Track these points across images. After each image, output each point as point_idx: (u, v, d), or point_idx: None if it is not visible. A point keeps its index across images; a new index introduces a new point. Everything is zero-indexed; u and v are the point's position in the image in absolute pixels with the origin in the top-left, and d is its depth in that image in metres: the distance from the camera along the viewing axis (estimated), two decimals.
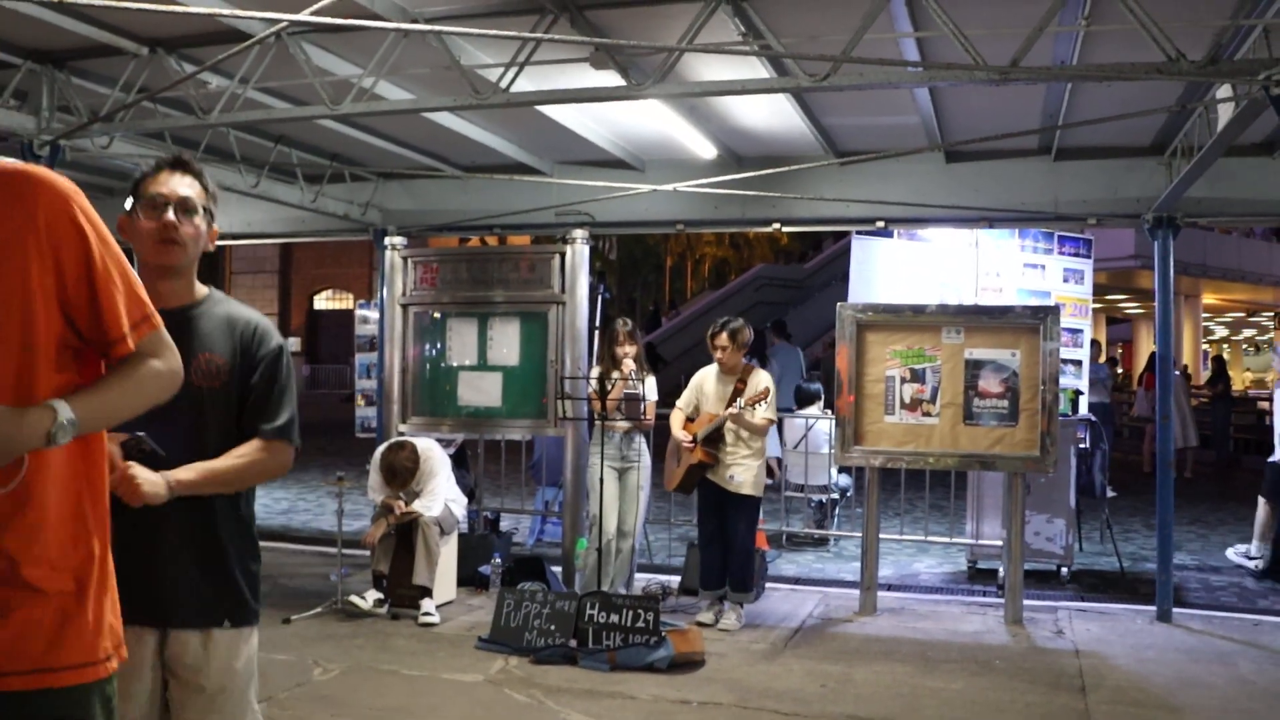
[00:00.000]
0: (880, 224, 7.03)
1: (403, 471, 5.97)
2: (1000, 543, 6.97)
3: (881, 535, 6.74)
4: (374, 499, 6.35)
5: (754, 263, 34.24)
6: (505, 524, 8.98)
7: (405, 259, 7.27)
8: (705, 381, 6.05)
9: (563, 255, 6.87)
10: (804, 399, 8.71)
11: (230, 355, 2.29)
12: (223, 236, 8.08)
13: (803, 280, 27.12)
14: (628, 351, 6.20)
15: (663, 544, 8.50)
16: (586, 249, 6.86)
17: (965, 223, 6.97)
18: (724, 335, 5.83)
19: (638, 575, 6.82)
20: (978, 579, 7.30)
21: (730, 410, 5.60)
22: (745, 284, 27.41)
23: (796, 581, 7.30)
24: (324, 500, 10.84)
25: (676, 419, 6.08)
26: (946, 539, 7.56)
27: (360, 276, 32.78)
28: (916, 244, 7.61)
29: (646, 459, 6.35)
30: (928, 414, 6.12)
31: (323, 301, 34.50)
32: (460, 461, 8.27)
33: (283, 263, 33.63)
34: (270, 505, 10.54)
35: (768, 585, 6.89)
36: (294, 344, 33.02)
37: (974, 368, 6.07)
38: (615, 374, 6.22)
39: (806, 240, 31.37)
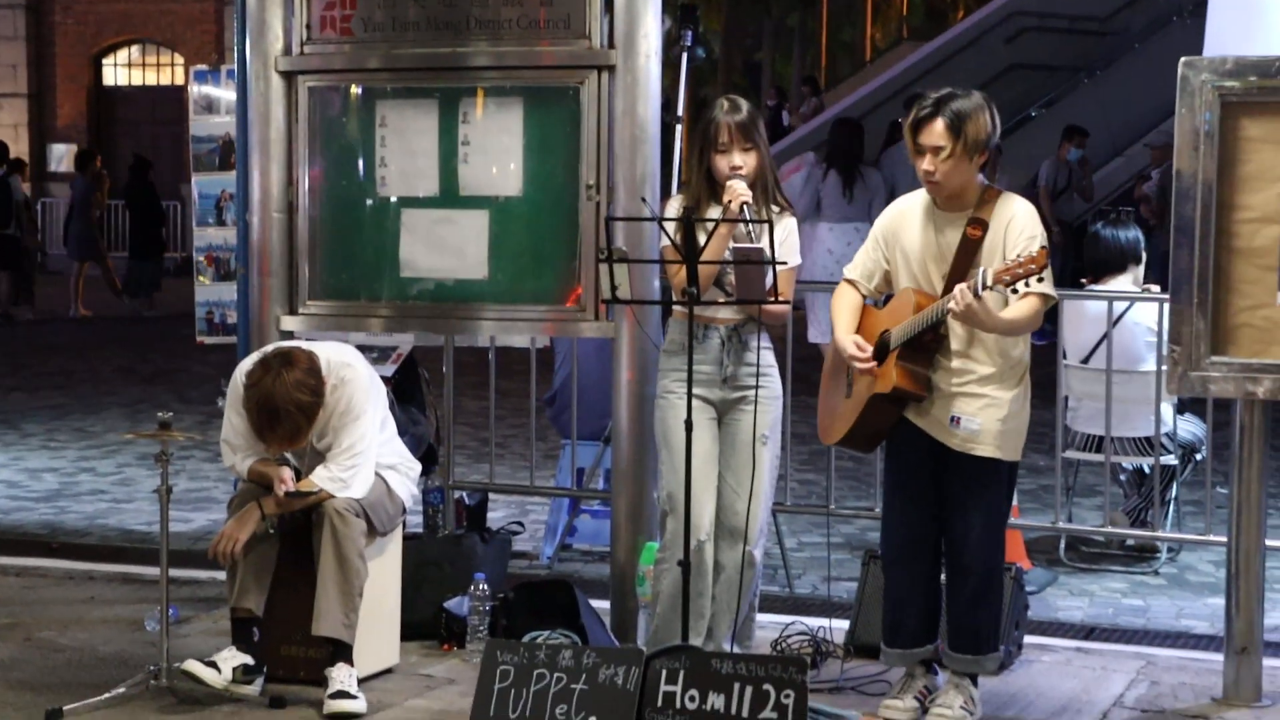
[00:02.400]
0: None
1: (291, 411, 6.06)
2: None
3: (1272, 542, 6.71)
4: (234, 467, 6.44)
5: None
6: (497, 515, 9.12)
7: None
8: (903, 226, 6.04)
9: None
10: (1105, 259, 8.68)
11: None
12: None
13: (1105, 19, 26.59)
14: (739, 165, 6.22)
15: (812, 554, 8.50)
16: None
17: None
18: (937, 123, 5.79)
19: (762, 616, 6.87)
20: None
21: (965, 288, 5.58)
22: (986, 29, 26.98)
23: (1088, 633, 7.33)
24: (131, 473, 11.07)
25: (843, 305, 6.09)
26: None
27: (199, 18, 32.96)
28: None
29: (775, 385, 6.38)
30: None
31: (121, 69, 34.75)
32: (409, 392, 8.36)
33: None
34: (23, 483, 10.78)
35: (1026, 640, 6.95)
36: (62, 155, 33.49)
37: None
38: (714, 210, 6.23)
39: None
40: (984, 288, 5.58)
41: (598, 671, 5.52)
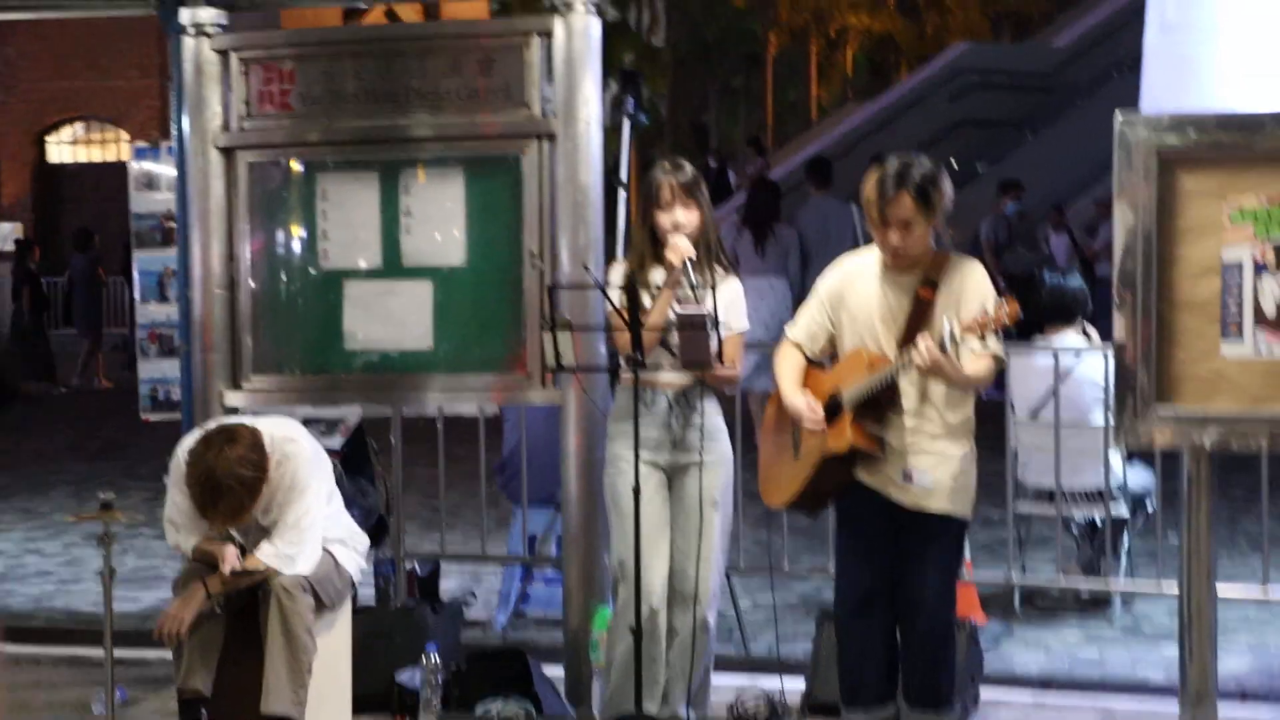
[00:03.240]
0: None
1: (234, 488, 6.03)
2: None
3: (1223, 590, 6.70)
4: (178, 545, 6.42)
5: (947, 41, 33.90)
6: (450, 585, 9.07)
7: (228, 56, 7.34)
8: (850, 286, 6.04)
9: (547, 38, 6.92)
10: (1050, 312, 8.71)
11: None
12: None
13: (1048, 74, 26.87)
14: (681, 223, 6.23)
15: (768, 615, 8.49)
16: (596, 25, 6.90)
17: None
18: (905, 197, 5.78)
19: (718, 678, 6.83)
20: None
21: (924, 358, 5.59)
22: (930, 86, 27.24)
23: (1045, 685, 7.31)
24: (79, 553, 10.95)
25: (787, 365, 6.09)
26: None
27: (142, 94, 32.94)
28: None
29: (725, 447, 6.39)
30: None
31: (66, 146, 34.67)
32: (357, 463, 8.33)
33: None
34: None
35: (982, 693, 6.93)
36: (6, 233, 33.35)
37: None
38: (658, 271, 6.25)
39: None
40: (951, 340, 5.57)
41: None
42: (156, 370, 9.01)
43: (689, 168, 6.38)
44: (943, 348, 5.59)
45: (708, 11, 41.48)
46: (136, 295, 9.31)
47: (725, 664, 7.36)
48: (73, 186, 34.11)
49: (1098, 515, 8.42)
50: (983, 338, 5.63)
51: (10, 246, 33.08)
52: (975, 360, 5.78)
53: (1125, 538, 8.57)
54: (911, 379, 5.83)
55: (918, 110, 26.36)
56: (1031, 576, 8.78)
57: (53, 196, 33.96)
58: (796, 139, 33.74)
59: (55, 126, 34.56)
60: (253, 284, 7.37)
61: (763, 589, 9.11)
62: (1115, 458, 8.24)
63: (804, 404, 5.92)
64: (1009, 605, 8.62)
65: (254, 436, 6.15)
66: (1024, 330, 9.06)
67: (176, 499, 6.29)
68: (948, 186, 5.86)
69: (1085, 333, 8.69)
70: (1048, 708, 6.99)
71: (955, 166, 24.79)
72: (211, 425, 6.34)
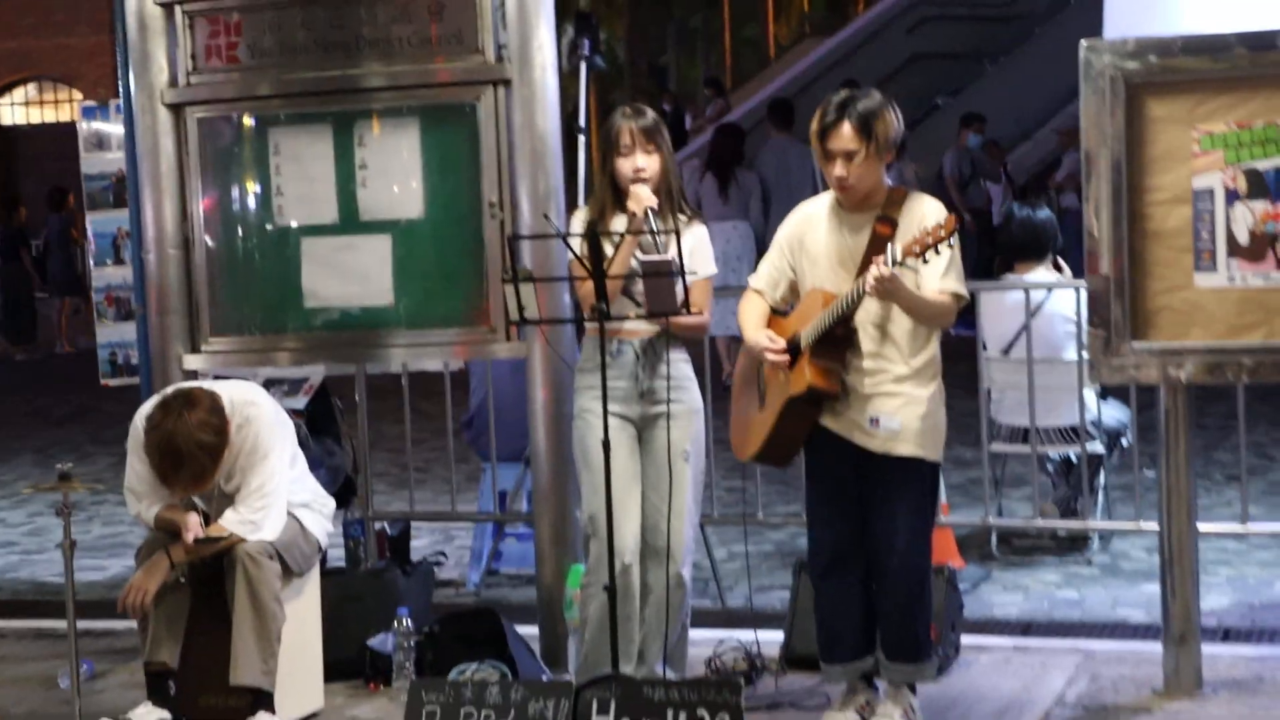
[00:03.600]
0: None
1: (195, 453, 5.92)
2: None
3: (1204, 526, 6.69)
4: (139, 515, 6.28)
5: None
6: (422, 543, 8.98)
7: (172, 9, 7.23)
8: (809, 230, 5.95)
9: None
10: (1020, 246, 8.63)
11: None
12: None
13: (1005, 4, 26.75)
14: (642, 167, 6.14)
15: (743, 564, 8.42)
16: None
17: None
18: (845, 126, 5.70)
19: (695, 632, 6.78)
20: None
21: (876, 272, 5.50)
22: (887, 19, 27.10)
23: (1025, 629, 7.28)
24: (43, 522, 10.81)
25: (750, 310, 6.00)
26: None
27: (95, 52, 32.64)
28: None
29: (694, 396, 6.30)
30: None
31: (20, 107, 34.41)
32: (322, 423, 8.24)
33: None
34: None
35: (963, 641, 6.90)
36: None
37: None
38: (620, 219, 6.16)
39: None
40: (895, 263, 5.49)
41: (526, 706, 5.46)
42: (115, 334, 8.90)
43: (649, 112, 6.28)
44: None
45: None
46: (90, 258, 9.19)
47: (702, 618, 7.28)
48: (28, 147, 33.90)
49: (1073, 453, 8.37)
50: (922, 255, 5.49)
51: None
52: (935, 296, 5.69)
53: (1101, 475, 8.55)
54: (871, 318, 5.75)
55: (875, 44, 26.20)
56: (1008, 518, 8.73)
57: (8, 158, 33.69)
58: (755, 78, 33.53)
59: (8, 88, 34.28)
60: (208, 243, 7.25)
61: (738, 539, 9.07)
62: (1089, 394, 8.19)
63: (764, 337, 5.83)
64: (986, 548, 8.59)
65: (213, 400, 6.03)
66: (993, 267, 9.02)
67: (136, 467, 6.18)
68: (893, 118, 5.76)
69: (1057, 266, 8.60)
70: (1029, 651, 6.91)
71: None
72: (169, 390, 6.21)
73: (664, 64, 54.25)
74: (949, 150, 19.83)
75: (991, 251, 14.39)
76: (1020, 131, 23.04)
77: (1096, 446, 8.33)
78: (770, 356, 5.80)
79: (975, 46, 26.19)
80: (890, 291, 5.54)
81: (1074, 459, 8.42)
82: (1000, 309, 8.49)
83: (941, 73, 25.78)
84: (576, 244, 6.00)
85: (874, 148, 5.69)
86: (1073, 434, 8.24)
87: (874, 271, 5.49)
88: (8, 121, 34.37)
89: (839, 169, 5.73)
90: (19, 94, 34.27)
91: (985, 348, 8.38)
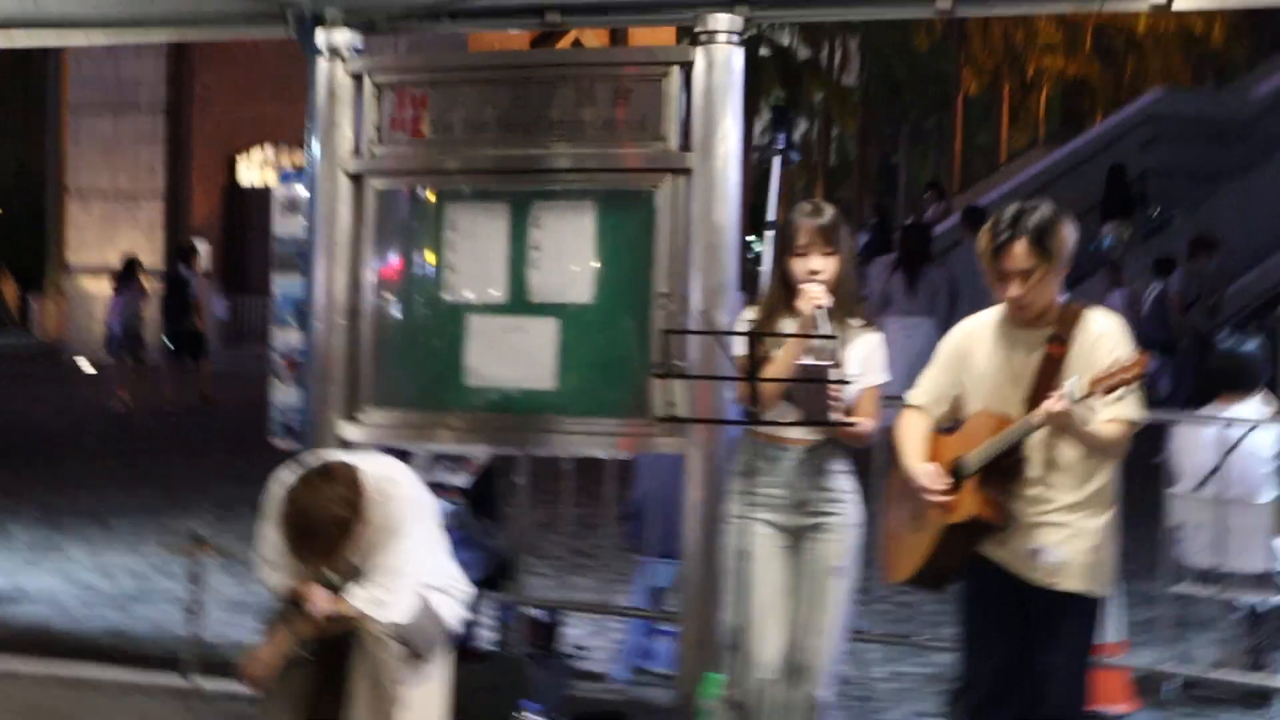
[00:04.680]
0: None
1: (326, 528, 5.81)
2: None
3: None
4: (268, 582, 6.20)
5: (1145, 87, 33.29)
6: (579, 633, 8.84)
7: (362, 79, 7.27)
8: (975, 345, 5.74)
9: (687, 69, 6.73)
10: (1222, 378, 8.31)
11: None
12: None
13: (1246, 123, 26.18)
14: (818, 270, 5.96)
15: (902, 685, 8.18)
16: (739, 56, 6.73)
17: None
18: (1019, 244, 5.47)
19: None
20: None
21: (1051, 407, 5.25)
22: (1121, 132, 26.73)
23: None
24: (212, 580, 10.69)
25: (910, 432, 5.77)
26: None
27: None
28: None
29: (852, 510, 6.08)
30: None
31: (253, 169, 35.18)
32: (484, 503, 8.15)
33: (173, 93, 34.37)
34: (98, 585, 10.61)
35: None
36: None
37: None
38: (788, 322, 6.00)
39: (1254, 38, 30.27)
40: (1075, 400, 5.25)
41: None
42: (289, 396, 8.88)
43: (830, 210, 6.14)
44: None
45: (900, 51, 41.15)
46: (272, 320, 9.22)
47: None
48: (259, 207, 34.67)
49: (1264, 601, 8.00)
50: (1109, 393, 5.26)
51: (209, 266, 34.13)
52: (1106, 425, 5.44)
53: None
54: (1040, 445, 5.50)
55: (1107, 156, 25.84)
56: (1186, 664, 8.29)
57: (240, 217, 34.46)
58: (981, 182, 33.37)
59: (245, 149, 35.12)
60: (376, 314, 7.23)
61: (900, 658, 8.78)
62: None
63: (924, 472, 5.60)
64: (1156, 692, 8.14)
65: (351, 475, 5.92)
66: (1199, 398, 8.67)
67: (270, 535, 6.08)
68: (1068, 230, 5.52)
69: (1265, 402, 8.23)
70: None
71: (1154, 214, 24.33)
72: (310, 460, 6.12)
73: (894, 163, 54.15)
74: (1178, 269, 19.40)
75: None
76: (1250, 257, 22.41)
77: None
78: (932, 498, 5.57)
79: (1210, 165, 25.65)
80: (1065, 426, 5.34)
81: (1261, 612, 8.05)
82: (1195, 443, 8.16)
83: (1173, 189, 25.32)
84: (737, 343, 5.81)
85: (1050, 264, 5.46)
86: (1265, 580, 7.87)
87: (1049, 405, 5.29)
88: (244, 183, 35.15)
89: (1015, 289, 5.49)
90: (256, 156, 35.05)
91: (1175, 484, 8.03)
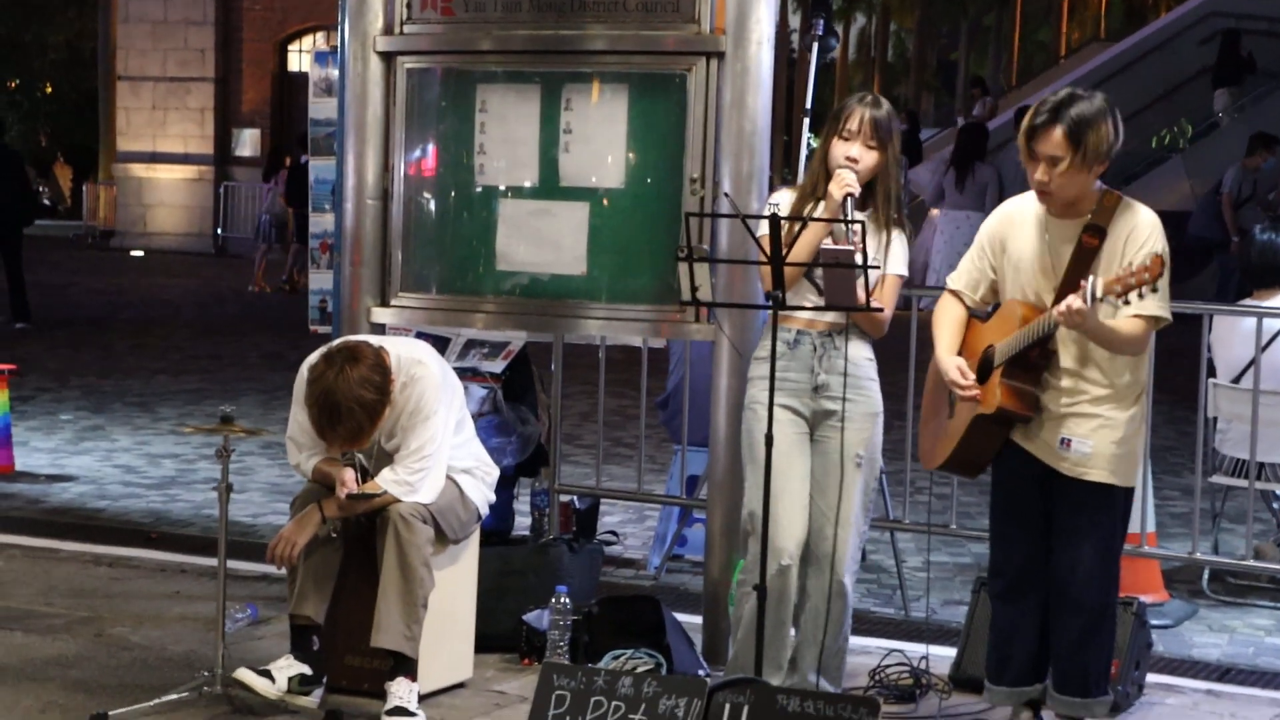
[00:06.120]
0: None
1: (353, 409, 5.79)
2: None
3: None
4: (298, 465, 6.23)
5: None
6: (613, 520, 8.86)
7: None
8: (1012, 231, 5.67)
9: None
10: (1259, 270, 8.23)
11: None
12: None
13: None
14: (855, 158, 5.88)
15: (936, 574, 8.22)
16: None
17: None
18: (1055, 132, 5.39)
19: (870, 640, 6.69)
20: None
21: (1069, 305, 5.21)
22: (1178, 31, 26.32)
23: (1223, 675, 6.92)
24: (251, 462, 10.93)
25: (946, 318, 5.73)
26: None
27: None
28: None
29: (872, 398, 6.03)
30: None
31: (305, 55, 35.08)
32: (519, 389, 8.15)
33: None
34: (142, 469, 10.74)
35: (1153, 679, 6.59)
36: (247, 140, 34.04)
37: None
38: (820, 207, 5.93)
39: None
40: (1093, 299, 5.20)
41: (658, 702, 5.24)
42: (327, 281, 8.88)
43: (887, 106, 6.01)
44: (1087, 303, 5.24)
45: None
46: (310, 204, 9.23)
47: (880, 628, 7.21)
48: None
49: None
50: (1125, 298, 5.19)
51: (249, 151, 34.08)
52: (1128, 321, 5.38)
53: None
54: (1070, 337, 5.45)
55: (1164, 53, 25.53)
56: (1222, 555, 8.27)
57: (291, 105, 34.40)
58: (1038, 78, 32.92)
59: (296, 35, 35.00)
60: (407, 197, 7.17)
61: (936, 548, 8.79)
62: None
63: (955, 369, 5.58)
64: (1197, 584, 8.17)
65: (378, 357, 5.90)
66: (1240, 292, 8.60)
67: (298, 417, 6.10)
68: (1110, 129, 5.41)
69: None
70: (1221, 697, 6.54)
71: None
72: (337, 343, 6.11)
73: (953, 59, 53.55)
74: (1232, 166, 19.16)
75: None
76: None
77: None
78: (960, 393, 5.56)
79: (1271, 63, 25.26)
80: (1079, 325, 5.30)
81: None
82: (1232, 335, 8.09)
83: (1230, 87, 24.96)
84: (760, 226, 5.76)
85: (1081, 157, 5.38)
86: None
87: (1068, 303, 5.24)
88: (294, 69, 35.04)
89: (1040, 173, 5.44)
90: (306, 42, 34.91)
91: (1214, 373, 7.97)
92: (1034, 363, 5.49)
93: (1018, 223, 5.67)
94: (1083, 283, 5.27)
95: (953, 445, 5.71)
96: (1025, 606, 5.72)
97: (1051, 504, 5.63)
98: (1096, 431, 5.51)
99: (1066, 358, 5.50)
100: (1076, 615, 5.60)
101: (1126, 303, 5.23)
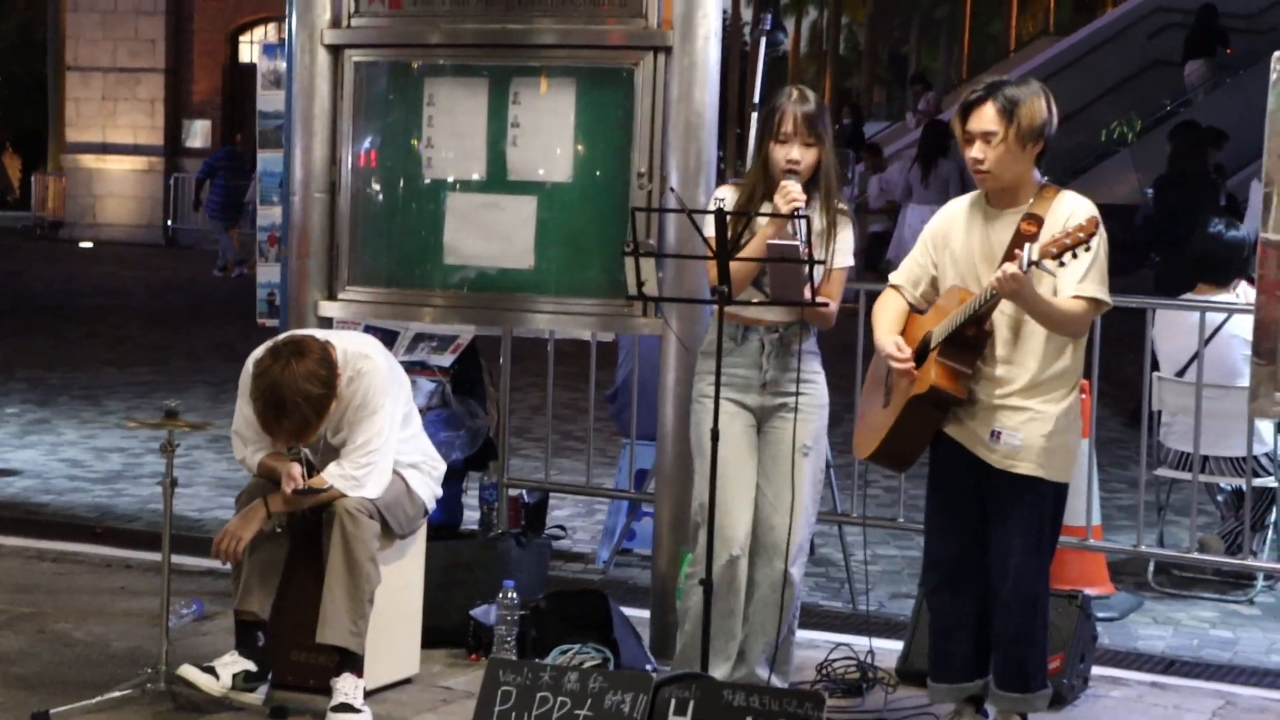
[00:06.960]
0: None
1: (299, 403, 5.77)
2: None
3: None
4: (244, 460, 6.21)
5: None
6: (563, 514, 8.84)
7: None
8: (953, 226, 5.71)
9: None
10: (1202, 264, 8.28)
11: None
12: None
13: (1251, 17, 25.89)
14: (796, 160, 5.89)
15: (885, 568, 8.25)
16: None
17: None
18: (987, 107, 5.47)
19: (817, 634, 6.69)
20: None
21: (1008, 270, 5.26)
22: (1126, 25, 26.47)
23: (1167, 667, 6.96)
24: (198, 456, 10.87)
25: (886, 309, 5.76)
26: None
27: None
28: None
29: (819, 391, 6.06)
30: None
31: (256, 46, 34.94)
32: (468, 383, 8.13)
33: None
34: (88, 463, 10.69)
35: (1098, 671, 6.60)
36: (198, 131, 33.92)
37: None
38: (766, 206, 5.93)
39: None
40: (1030, 264, 5.24)
41: (603, 697, 5.28)
42: (274, 274, 8.84)
43: (815, 99, 6.00)
44: (1023, 270, 5.28)
45: None
46: (257, 196, 9.17)
47: (829, 621, 7.22)
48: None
49: (1240, 483, 7.96)
50: (1059, 257, 5.23)
51: (200, 143, 33.95)
52: (1069, 300, 5.42)
53: (1274, 512, 8.12)
54: (1004, 322, 5.50)
55: (1113, 47, 25.68)
56: (1171, 546, 8.31)
57: (241, 96, 34.28)
58: (988, 71, 33.08)
59: (248, 26, 34.89)
60: (353, 190, 7.16)
61: (885, 540, 8.80)
62: (1266, 424, 7.77)
63: (891, 344, 5.59)
64: (1143, 576, 8.19)
65: (324, 351, 5.88)
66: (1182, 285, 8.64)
67: (244, 411, 6.07)
68: (1042, 108, 5.47)
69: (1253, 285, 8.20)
70: (1166, 689, 6.57)
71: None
72: (282, 337, 6.10)
73: (904, 53, 53.64)
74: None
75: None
76: (1253, 151, 22.22)
77: (1269, 481, 7.96)
78: (895, 364, 5.57)
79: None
80: (1016, 293, 5.30)
81: (1237, 493, 8.04)
82: (1176, 328, 8.13)
83: (1179, 81, 25.09)
84: (707, 222, 5.76)
85: (1015, 133, 5.44)
86: (1244, 465, 7.87)
87: (1005, 268, 5.27)
88: (246, 60, 34.92)
89: (976, 150, 5.49)
90: (258, 33, 34.79)
91: (1157, 367, 8.01)
92: (970, 341, 5.49)
93: (959, 219, 5.71)
94: (1018, 251, 5.32)
95: (884, 432, 5.72)
96: (960, 600, 5.75)
97: (984, 497, 5.65)
98: (1027, 424, 5.52)
99: (1000, 345, 5.53)
100: (1011, 611, 5.63)
101: (1062, 264, 5.26)
